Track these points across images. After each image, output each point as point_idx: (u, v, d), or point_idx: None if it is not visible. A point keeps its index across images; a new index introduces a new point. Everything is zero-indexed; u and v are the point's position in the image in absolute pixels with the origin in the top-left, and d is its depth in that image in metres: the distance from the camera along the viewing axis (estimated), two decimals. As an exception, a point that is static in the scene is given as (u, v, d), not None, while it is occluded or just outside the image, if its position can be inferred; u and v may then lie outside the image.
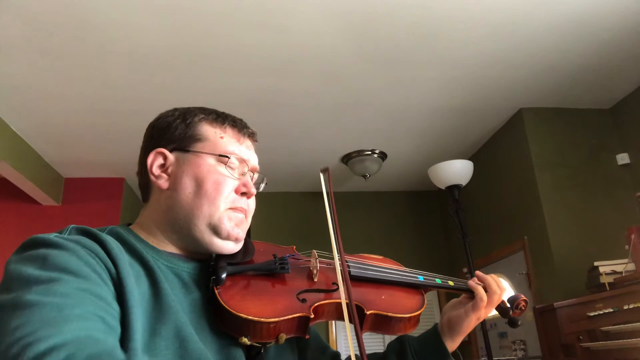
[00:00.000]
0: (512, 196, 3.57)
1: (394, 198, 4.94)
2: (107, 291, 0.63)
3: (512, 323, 0.97)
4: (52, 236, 0.67)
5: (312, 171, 4.32)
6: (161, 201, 0.81)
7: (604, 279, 2.50)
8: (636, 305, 2.18)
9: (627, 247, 2.57)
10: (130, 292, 0.65)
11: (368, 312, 0.82)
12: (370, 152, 3.99)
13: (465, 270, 4.17)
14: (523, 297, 0.98)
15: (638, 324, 2.14)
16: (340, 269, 0.77)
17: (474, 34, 2.61)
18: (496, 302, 0.93)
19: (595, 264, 2.60)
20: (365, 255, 0.99)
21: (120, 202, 4.10)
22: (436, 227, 4.89)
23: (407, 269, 0.96)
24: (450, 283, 0.99)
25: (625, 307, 2.22)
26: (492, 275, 0.97)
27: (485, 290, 0.92)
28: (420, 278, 0.95)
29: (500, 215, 3.74)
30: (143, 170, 0.84)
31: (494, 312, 0.95)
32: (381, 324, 0.85)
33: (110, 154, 3.77)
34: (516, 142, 3.51)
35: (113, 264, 0.67)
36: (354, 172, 4.10)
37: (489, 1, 2.37)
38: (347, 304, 0.74)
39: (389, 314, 0.84)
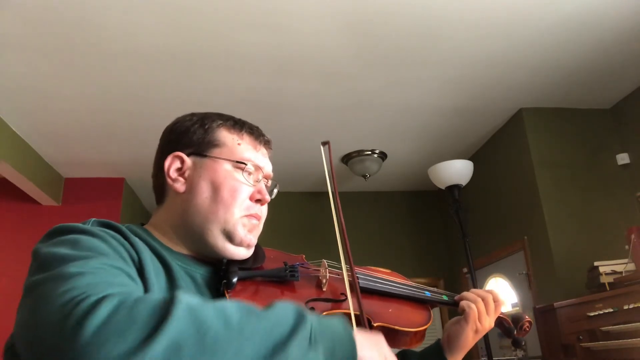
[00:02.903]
0: (512, 196, 3.57)
1: (394, 198, 4.94)
2: (135, 274, 0.66)
3: (516, 343, 0.98)
4: (79, 224, 0.70)
5: (312, 171, 4.32)
6: (177, 204, 0.82)
7: (604, 279, 2.50)
8: (636, 305, 2.18)
9: (627, 247, 2.57)
10: (151, 283, 0.67)
11: (375, 325, 0.83)
12: (370, 152, 3.99)
13: (465, 270, 4.17)
14: (527, 317, 0.99)
15: (638, 324, 2.14)
16: (350, 280, 0.78)
17: (474, 34, 2.61)
18: (483, 313, 0.92)
19: (595, 264, 2.60)
20: (373, 267, 1.00)
21: (120, 202, 4.10)
22: (436, 227, 4.89)
23: (415, 284, 0.97)
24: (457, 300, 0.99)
25: (625, 307, 2.22)
26: (486, 290, 0.97)
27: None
28: (427, 294, 0.96)
29: (500, 215, 3.74)
30: (159, 172, 0.85)
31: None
32: (387, 337, 0.84)
33: (110, 154, 3.77)
34: (516, 142, 3.51)
35: (137, 254, 0.69)
36: (354, 172, 4.10)
37: (489, 1, 2.37)
38: (357, 315, 0.75)
39: (396, 327, 0.84)
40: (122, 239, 0.70)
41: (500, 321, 0.99)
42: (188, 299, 0.51)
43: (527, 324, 0.98)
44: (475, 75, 3.02)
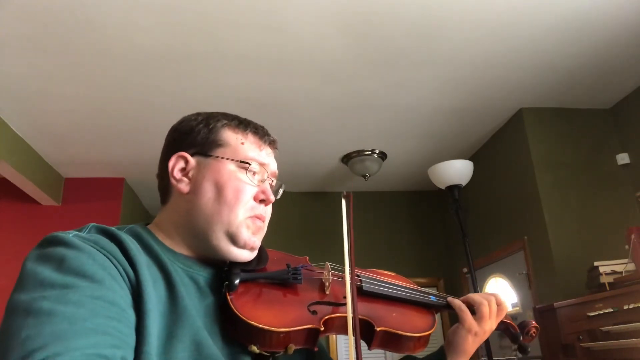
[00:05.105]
0: (512, 196, 3.57)
1: (394, 198, 4.94)
2: (122, 296, 0.63)
3: (522, 350, 0.96)
4: (71, 236, 0.66)
5: (312, 171, 4.33)
6: (181, 205, 0.81)
7: (604, 279, 2.49)
8: (636, 305, 2.18)
9: (627, 247, 2.57)
10: (148, 296, 0.65)
11: (378, 329, 0.81)
12: (370, 152, 3.99)
13: (465, 270, 4.17)
14: (534, 323, 0.98)
15: (638, 324, 2.14)
16: (350, 282, 0.77)
17: (474, 34, 2.61)
18: (486, 315, 0.91)
19: (595, 264, 2.60)
20: (378, 270, 0.98)
21: (120, 202, 4.10)
22: (436, 227, 4.89)
23: (420, 288, 0.96)
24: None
25: (625, 307, 2.22)
26: (490, 293, 0.96)
27: (473, 310, 0.92)
28: (433, 298, 0.94)
29: (500, 215, 3.74)
30: (163, 172, 0.84)
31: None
32: (390, 341, 0.84)
33: (110, 154, 3.77)
34: (516, 142, 3.51)
35: (131, 267, 0.67)
36: (354, 172, 4.10)
37: (489, 1, 2.37)
38: (351, 318, 0.74)
39: (399, 332, 0.83)
40: (115, 250, 0.67)
41: (506, 327, 0.98)
42: None
43: (534, 330, 0.97)
44: (475, 75, 3.02)
